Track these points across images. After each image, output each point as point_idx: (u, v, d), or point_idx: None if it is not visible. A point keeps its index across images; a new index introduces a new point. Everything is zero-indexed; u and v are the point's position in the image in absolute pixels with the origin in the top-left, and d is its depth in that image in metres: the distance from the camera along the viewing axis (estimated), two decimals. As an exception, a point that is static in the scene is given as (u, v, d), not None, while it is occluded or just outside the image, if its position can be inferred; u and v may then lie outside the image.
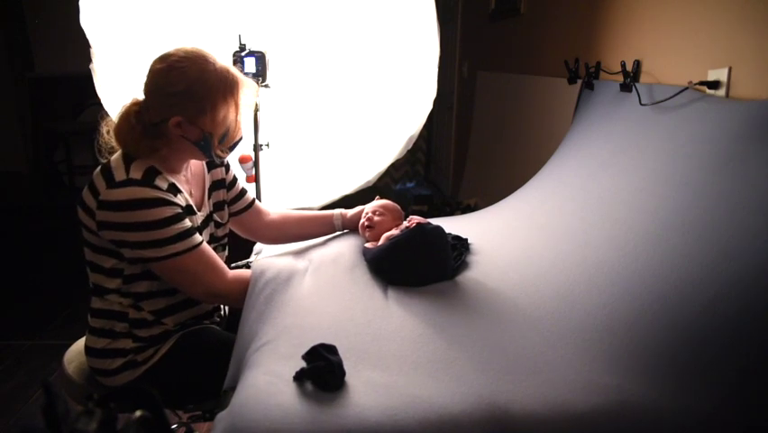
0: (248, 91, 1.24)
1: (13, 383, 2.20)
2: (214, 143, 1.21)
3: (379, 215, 1.55)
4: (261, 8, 2.05)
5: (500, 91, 3.06)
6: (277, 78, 2.04)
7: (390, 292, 1.29)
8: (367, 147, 2.38)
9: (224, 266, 1.25)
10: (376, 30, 2.18)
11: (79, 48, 2.24)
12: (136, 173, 1.13)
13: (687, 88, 1.41)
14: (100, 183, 1.14)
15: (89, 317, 1.25)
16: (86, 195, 1.16)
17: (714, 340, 0.93)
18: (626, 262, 1.19)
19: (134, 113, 1.18)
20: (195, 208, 1.27)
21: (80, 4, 1.98)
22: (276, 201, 2.35)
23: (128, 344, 1.21)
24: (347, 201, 2.47)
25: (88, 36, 2.02)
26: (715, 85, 1.35)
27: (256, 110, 2.00)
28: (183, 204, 1.20)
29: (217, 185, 1.40)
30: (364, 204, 1.63)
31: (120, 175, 1.13)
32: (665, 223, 1.19)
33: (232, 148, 1.28)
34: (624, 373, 0.96)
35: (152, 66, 1.17)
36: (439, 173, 4.67)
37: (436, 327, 1.13)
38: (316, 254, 1.48)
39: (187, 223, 1.17)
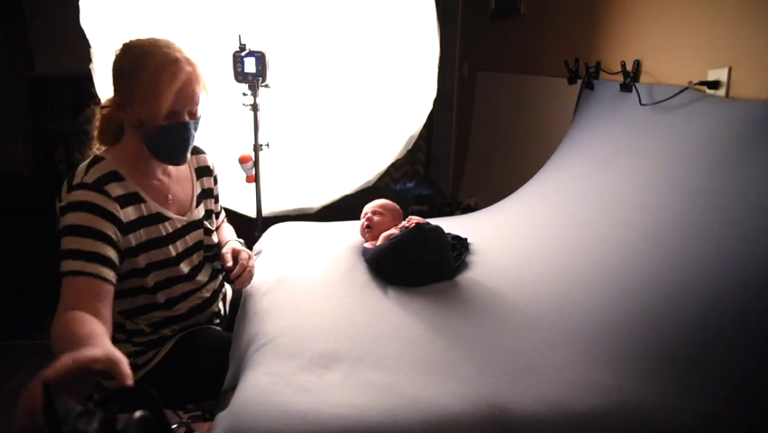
0: (182, 81, 1.13)
1: (13, 383, 2.19)
2: (150, 131, 1.13)
3: (378, 215, 1.56)
4: (261, 8, 2.05)
5: (500, 91, 3.06)
6: (277, 78, 2.03)
7: (390, 292, 1.29)
8: (367, 147, 2.38)
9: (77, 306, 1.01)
10: (376, 30, 2.18)
11: (79, 48, 2.24)
12: (91, 177, 1.09)
13: (687, 88, 1.41)
14: (63, 189, 1.09)
15: None
16: (57, 204, 1.10)
17: (714, 340, 0.93)
18: (626, 262, 1.19)
19: (104, 115, 1.19)
20: (166, 214, 1.21)
21: (80, 4, 1.98)
22: (276, 201, 2.35)
23: (128, 348, 1.21)
24: (347, 201, 2.47)
25: (88, 36, 2.02)
26: (715, 85, 1.35)
27: (256, 110, 2.00)
28: (134, 217, 1.13)
29: (206, 194, 1.36)
30: (364, 204, 1.63)
31: (77, 179, 1.08)
32: (665, 223, 1.19)
33: (159, 134, 1.14)
34: (624, 373, 0.96)
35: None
36: (439, 173, 4.67)
37: (436, 327, 1.13)
38: (316, 255, 1.48)
39: (97, 246, 1.05)
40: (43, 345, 2.48)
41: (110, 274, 1.05)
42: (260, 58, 1.90)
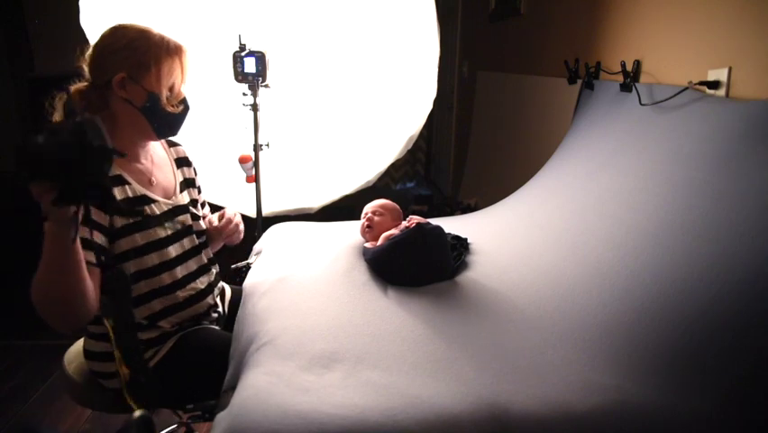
0: (186, 59, 1.22)
1: (13, 383, 2.20)
2: (160, 105, 1.18)
3: (378, 215, 1.56)
4: (261, 8, 2.05)
5: (500, 91, 3.06)
6: (277, 78, 2.03)
7: (390, 292, 1.29)
8: (367, 147, 2.38)
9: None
10: (376, 30, 2.18)
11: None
12: None
13: (687, 88, 1.41)
14: None
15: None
16: None
17: (714, 340, 0.93)
18: (626, 261, 1.19)
19: (78, 92, 1.17)
20: (151, 197, 1.23)
21: (80, 4, 1.98)
22: (276, 201, 2.35)
23: None
24: (347, 201, 2.47)
25: (88, 36, 2.02)
26: (715, 85, 1.35)
27: (256, 110, 2.00)
28: (121, 197, 1.16)
29: (189, 183, 1.39)
30: (364, 204, 1.63)
31: None
32: (665, 223, 1.19)
33: (183, 103, 1.24)
34: (624, 373, 0.96)
35: (97, 40, 1.18)
36: (439, 173, 4.67)
37: (436, 327, 1.13)
38: (316, 255, 1.48)
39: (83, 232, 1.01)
40: (43, 345, 2.48)
41: (91, 256, 1.05)
42: (260, 58, 1.90)
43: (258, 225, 2.17)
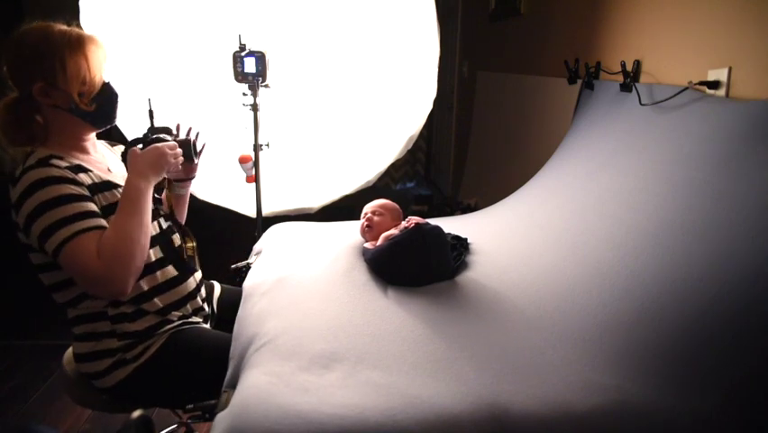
0: (94, 48, 1.20)
1: (13, 383, 2.20)
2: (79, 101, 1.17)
3: (378, 215, 1.56)
4: (261, 8, 2.05)
5: (500, 91, 3.06)
6: (277, 78, 2.03)
7: (390, 292, 1.29)
8: (367, 147, 2.38)
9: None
10: (376, 30, 2.18)
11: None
12: (31, 161, 1.12)
13: (687, 88, 1.41)
14: (10, 189, 1.12)
15: (71, 325, 1.24)
16: (12, 196, 1.12)
17: (714, 340, 0.93)
18: (626, 261, 1.19)
19: (5, 107, 1.17)
20: (114, 182, 1.24)
21: (80, 4, 1.98)
22: (276, 201, 2.35)
23: (113, 343, 1.21)
24: (347, 201, 2.47)
25: (88, 36, 2.01)
26: (715, 85, 1.35)
27: (256, 110, 2.00)
28: (89, 182, 1.16)
29: None
30: (364, 204, 1.63)
31: (19, 171, 1.12)
32: (665, 223, 1.19)
33: (98, 100, 1.20)
34: (624, 373, 0.96)
35: (5, 54, 1.17)
36: (439, 173, 4.67)
37: (436, 327, 1.13)
38: (316, 255, 1.48)
39: (88, 205, 1.12)
40: (43, 345, 2.48)
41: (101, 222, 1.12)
42: (260, 58, 1.90)
43: (258, 225, 2.17)
